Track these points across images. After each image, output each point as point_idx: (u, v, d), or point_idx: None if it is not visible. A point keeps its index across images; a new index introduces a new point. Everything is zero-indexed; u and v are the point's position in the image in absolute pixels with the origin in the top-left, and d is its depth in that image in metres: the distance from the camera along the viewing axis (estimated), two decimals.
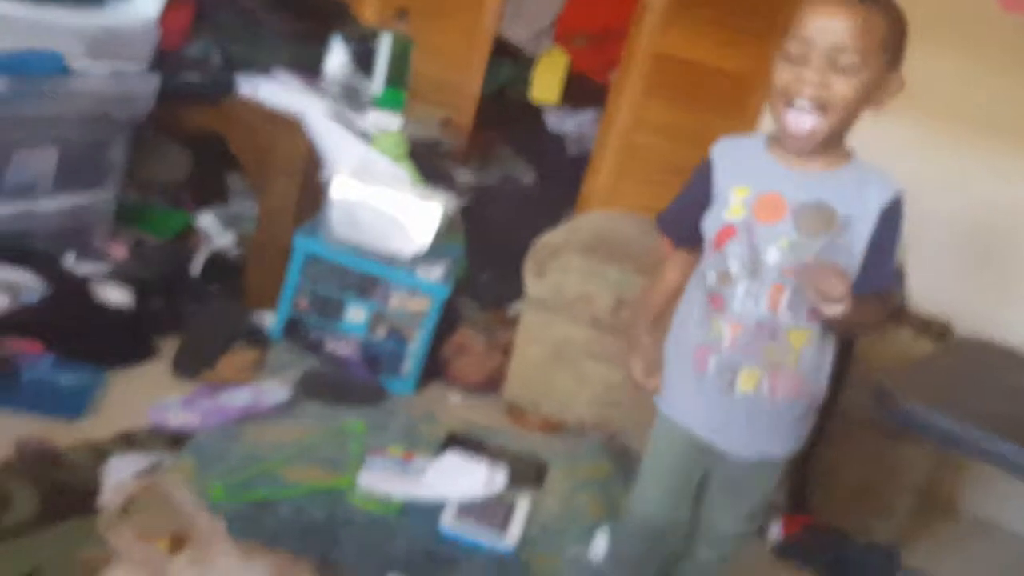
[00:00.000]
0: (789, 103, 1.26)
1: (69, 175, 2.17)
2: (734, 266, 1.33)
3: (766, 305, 1.33)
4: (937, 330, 2.33)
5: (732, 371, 1.37)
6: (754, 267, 1.32)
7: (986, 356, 1.50)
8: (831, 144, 1.31)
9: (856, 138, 1.35)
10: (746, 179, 1.33)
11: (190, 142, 2.91)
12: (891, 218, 1.32)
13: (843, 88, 1.25)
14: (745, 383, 1.36)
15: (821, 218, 1.30)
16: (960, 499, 2.51)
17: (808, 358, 1.37)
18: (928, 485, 2.21)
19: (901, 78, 1.30)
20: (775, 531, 2.08)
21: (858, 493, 2.15)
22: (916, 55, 1.37)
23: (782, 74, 1.27)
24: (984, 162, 2.50)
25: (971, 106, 2.49)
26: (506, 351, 2.39)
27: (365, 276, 2.27)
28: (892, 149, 2.41)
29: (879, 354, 2.07)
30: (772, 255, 1.31)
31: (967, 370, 1.28)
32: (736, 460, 1.42)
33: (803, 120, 1.26)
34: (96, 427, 1.81)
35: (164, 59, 2.31)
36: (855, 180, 1.32)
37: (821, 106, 1.25)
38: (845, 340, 2.08)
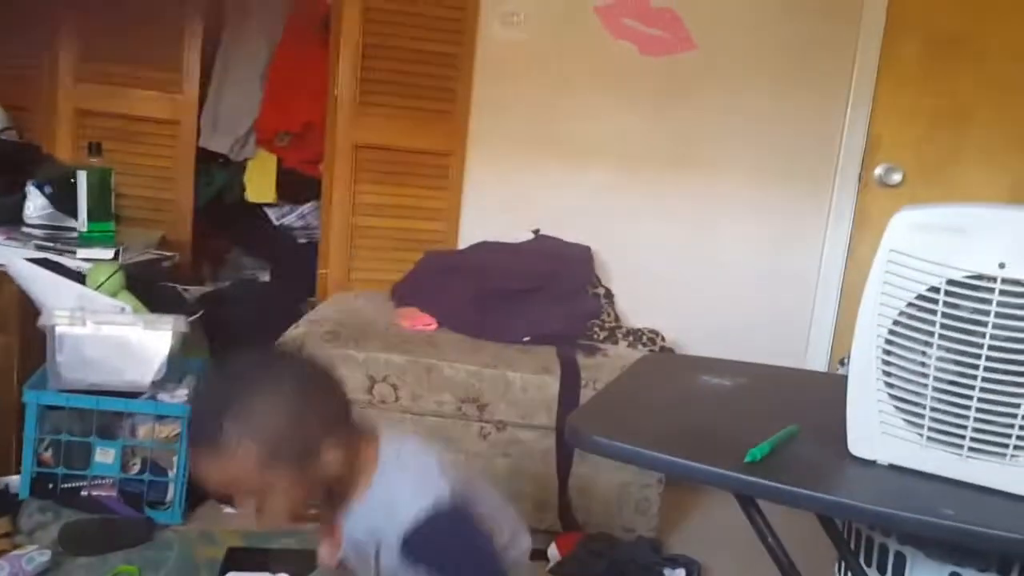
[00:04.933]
0: None
1: None
2: None
3: None
4: (649, 337, 2.66)
5: None
6: None
7: (669, 367, 1.77)
8: (340, 497, 1.23)
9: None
10: None
11: None
12: (416, 545, 1.17)
13: (274, 505, 1.16)
14: None
15: (362, 558, 1.26)
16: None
17: None
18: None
19: (331, 450, 1.17)
20: (552, 553, 2.27)
21: (615, 498, 2.39)
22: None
23: None
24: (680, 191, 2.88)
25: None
26: None
27: (107, 414, 2.22)
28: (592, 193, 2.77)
29: (603, 370, 2.33)
30: None
31: (651, 385, 1.52)
32: None
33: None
34: None
35: None
36: (382, 507, 1.21)
37: (289, 520, 1.18)
38: (569, 363, 2.34)
